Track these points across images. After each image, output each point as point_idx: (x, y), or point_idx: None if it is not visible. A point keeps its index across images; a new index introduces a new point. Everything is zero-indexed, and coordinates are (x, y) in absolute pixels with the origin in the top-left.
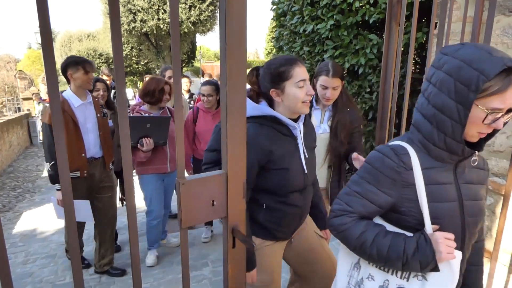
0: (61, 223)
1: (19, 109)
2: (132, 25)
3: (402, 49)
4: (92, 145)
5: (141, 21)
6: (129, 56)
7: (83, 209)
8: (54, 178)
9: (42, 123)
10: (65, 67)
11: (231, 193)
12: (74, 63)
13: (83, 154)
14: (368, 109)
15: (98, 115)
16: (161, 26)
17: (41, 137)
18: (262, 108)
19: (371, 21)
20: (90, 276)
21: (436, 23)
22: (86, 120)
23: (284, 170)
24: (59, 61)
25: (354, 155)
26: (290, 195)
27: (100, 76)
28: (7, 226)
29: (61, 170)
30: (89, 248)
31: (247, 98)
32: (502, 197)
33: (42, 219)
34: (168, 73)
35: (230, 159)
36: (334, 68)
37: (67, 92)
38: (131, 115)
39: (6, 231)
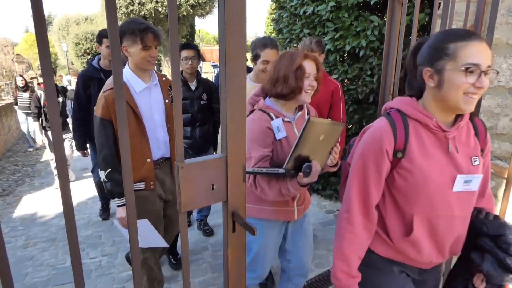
0: (61, 207)
1: None
2: (130, 8)
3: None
4: (161, 142)
5: (139, 3)
6: None
7: (148, 232)
8: (112, 191)
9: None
10: (120, 37)
11: (231, 177)
12: (130, 32)
13: (148, 159)
14: (369, 92)
15: (167, 101)
16: (160, 9)
17: None
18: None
19: (372, 2)
20: (91, 260)
21: (440, 3)
22: (151, 110)
23: None
24: (56, 45)
25: None
26: None
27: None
28: (7, 210)
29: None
30: (88, 231)
31: None
32: (505, 181)
33: (42, 203)
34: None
35: (230, 142)
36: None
37: (126, 71)
38: (252, 169)
39: (6, 215)
